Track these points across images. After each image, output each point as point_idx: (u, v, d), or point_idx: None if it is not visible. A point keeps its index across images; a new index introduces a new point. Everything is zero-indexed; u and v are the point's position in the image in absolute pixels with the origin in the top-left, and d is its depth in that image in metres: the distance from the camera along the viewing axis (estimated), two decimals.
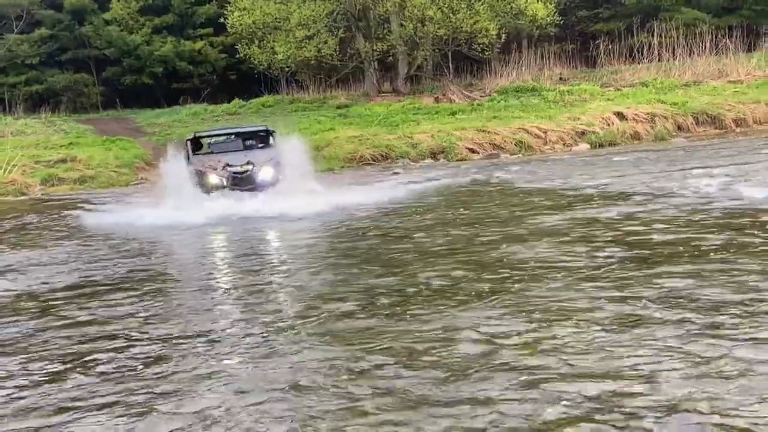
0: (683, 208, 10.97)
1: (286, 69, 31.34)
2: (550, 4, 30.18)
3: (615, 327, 5.73)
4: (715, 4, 34.08)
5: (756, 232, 8.71)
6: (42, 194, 21.00)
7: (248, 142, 17.84)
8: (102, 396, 5.09)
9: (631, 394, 4.59)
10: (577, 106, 26.46)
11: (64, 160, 23.46)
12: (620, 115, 25.22)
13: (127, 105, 33.40)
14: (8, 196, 20.76)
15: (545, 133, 24.60)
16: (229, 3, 30.77)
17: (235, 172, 15.41)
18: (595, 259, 7.87)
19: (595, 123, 24.84)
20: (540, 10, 29.55)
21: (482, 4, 29.26)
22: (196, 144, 17.94)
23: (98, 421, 4.65)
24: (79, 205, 18.07)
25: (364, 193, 15.77)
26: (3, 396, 5.27)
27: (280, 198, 14.68)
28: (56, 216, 16.26)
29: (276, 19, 29.96)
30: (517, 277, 7.51)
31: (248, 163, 15.65)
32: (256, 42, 30.58)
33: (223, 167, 15.54)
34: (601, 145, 23.75)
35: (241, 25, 30.28)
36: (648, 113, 25.40)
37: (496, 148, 23.67)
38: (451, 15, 28.94)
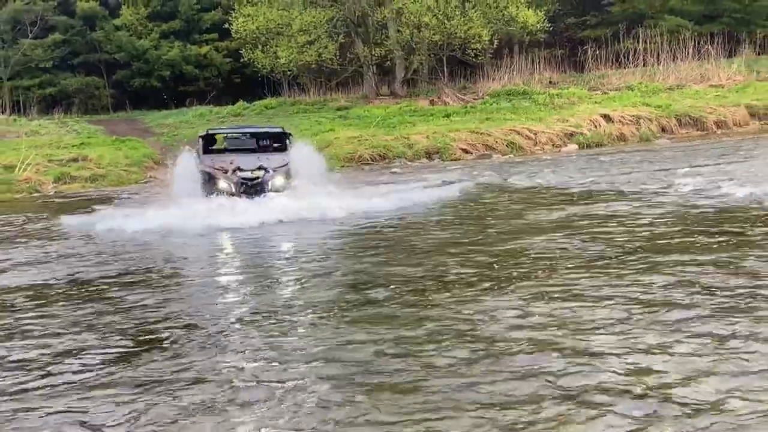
0: (673, 205, 11.14)
1: (288, 72, 31.33)
2: (540, 11, 30.21)
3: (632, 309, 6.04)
4: (697, 12, 34.24)
5: (734, 228, 9.13)
6: (54, 192, 20.70)
7: (263, 143, 16.68)
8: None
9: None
10: (565, 109, 26.37)
11: (75, 159, 23.31)
12: (607, 118, 25.15)
13: (136, 107, 33.41)
14: (23, 193, 20.56)
15: (535, 134, 24.47)
16: (234, 9, 30.77)
17: (244, 178, 14.16)
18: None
19: (583, 125, 24.74)
20: (530, 17, 29.60)
21: (475, 12, 29.32)
22: (209, 141, 16.81)
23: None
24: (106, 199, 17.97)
25: (389, 199, 14.44)
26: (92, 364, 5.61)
27: (298, 203, 13.45)
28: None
29: (278, 25, 30.00)
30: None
31: (260, 168, 14.38)
32: (260, 47, 30.60)
33: (233, 171, 14.28)
34: (588, 146, 23.64)
35: (245, 30, 30.32)
36: (633, 116, 25.35)
37: (488, 149, 23.56)
38: (445, 21, 28.95)
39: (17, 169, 21.61)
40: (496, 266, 8.11)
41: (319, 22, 29.89)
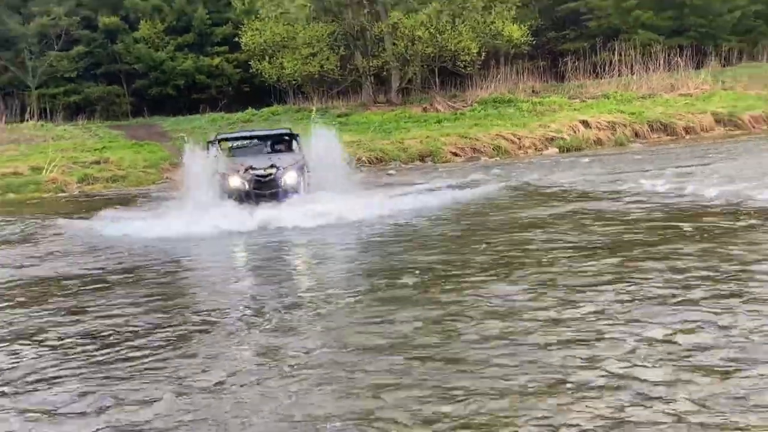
0: (651, 204, 11.37)
1: (293, 82, 31.15)
2: (524, 26, 30.05)
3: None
4: (667, 27, 33.94)
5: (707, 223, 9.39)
6: (78, 192, 21.07)
7: (273, 145, 15.98)
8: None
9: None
10: (547, 116, 26.55)
11: (98, 162, 23.51)
12: (585, 123, 25.41)
13: (153, 113, 33.25)
14: (50, 193, 20.85)
15: (519, 139, 24.75)
16: (243, 24, 30.64)
17: (258, 176, 13.47)
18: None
19: (563, 130, 25.06)
20: (515, 31, 29.46)
21: (465, 26, 29.14)
22: (221, 145, 15.84)
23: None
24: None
25: (417, 197, 14.05)
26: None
27: (322, 204, 12.67)
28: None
29: (284, 38, 29.83)
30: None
31: (272, 166, 13.72)
32: (267, 58, 30.41)
33: (246, 170, 13.65)
34: (568, 150, 23.93)
35: (253, 43, 30.20)
36: (609, 122, 25.57)
37: (476, 152, 23.92)
38: (437, 35, 28.83)
39: (44, 170, 21.86)
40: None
41: (322, 36, 29.82)
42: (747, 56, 33.23)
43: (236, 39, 31.57)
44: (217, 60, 34.15)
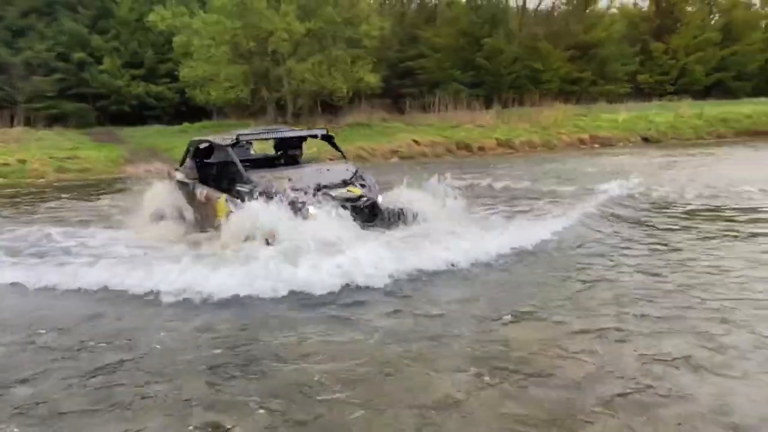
0: None
1: (217, 105, 30.56)
2: (377, 75, 30.40)
3: None
4: (469, 82, 34.85)
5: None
6: (54, 178, 19.98)
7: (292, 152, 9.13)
8: None
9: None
10: (392, 136, 26.68)
11: (70, 157, 22.27)
12: (416, 142, 25.86)
13: (113, 124, 31.73)
14: (31, 178, 19.74)
15: (374, 150, 24.91)
16: (181, 63, 29.64)
17: (348, 199, 6.72)
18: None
19: (402, 146, 25.33)
20: (371, 79, 29.79)
21: (338, 73, 29.20)
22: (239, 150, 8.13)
23: None
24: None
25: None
26: None
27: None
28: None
29: (211, 74, 29.12)
30: None
31: (348, 183, 7.14)
32: (198, 88, 29.55)
33: (315, 191, 6.73)
34: (405, 158, 24.15)
35: (188, 77, 29.31)
36: (431, 141, 26.08)
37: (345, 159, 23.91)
38: (319, 78, 28.75)
39: (28, 162, 20.70)
40: None
41: (237, 74, 29.22)
42: (518, 103, 34.15)
43: (176, 73, 30.53)
44: (161, 87, 33.05)
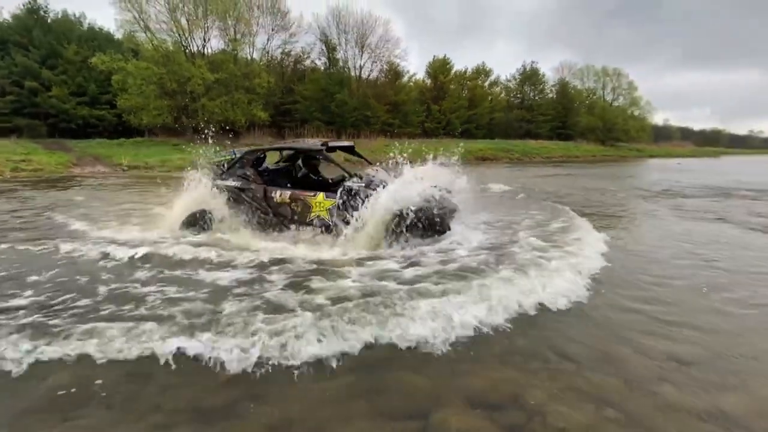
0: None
1: (149, 126, 31.60)
2: (266, 112, 32.95)
3: None
4: (326, 119, 36.72)
5: None
6: (11, 177, 19.44)
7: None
8: None
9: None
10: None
11: (24, 161, 22.18)
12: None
13: (62, 137, 31.57)
14: None
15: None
16: (119, 94, 30.62)
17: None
18: None
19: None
20: (262, 114, 32.35)
21: (238, 108, 31.84)
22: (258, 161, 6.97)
23: None
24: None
25: None
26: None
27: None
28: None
29: (142, 105, 30.38)
30: None
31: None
32: (132, 114, 30.58)
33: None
34: None
35: (124, 105, 30.41)
36: None
37: None
38: (225, 112, 31.38)
39: None
40: None
41: (163, 105, 30.77)
42: (356, 137, 35.42)
43: (114, 102, 31.32)
44: (103, 111, 33.19)
